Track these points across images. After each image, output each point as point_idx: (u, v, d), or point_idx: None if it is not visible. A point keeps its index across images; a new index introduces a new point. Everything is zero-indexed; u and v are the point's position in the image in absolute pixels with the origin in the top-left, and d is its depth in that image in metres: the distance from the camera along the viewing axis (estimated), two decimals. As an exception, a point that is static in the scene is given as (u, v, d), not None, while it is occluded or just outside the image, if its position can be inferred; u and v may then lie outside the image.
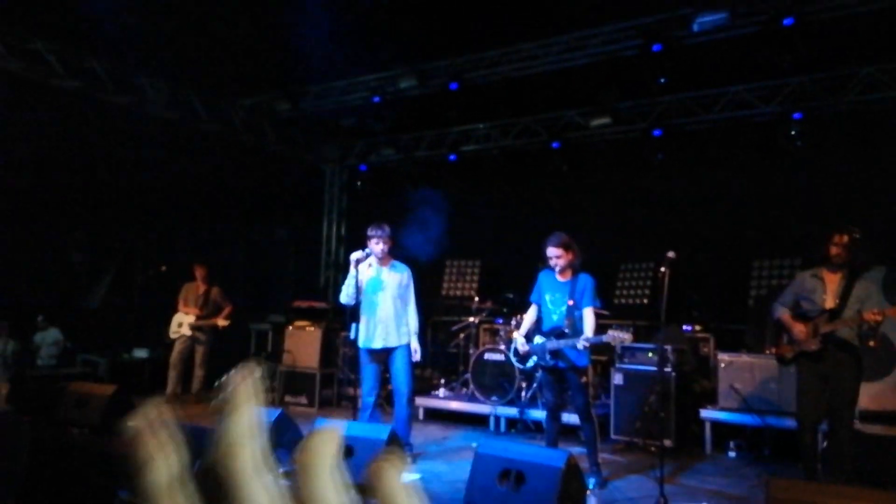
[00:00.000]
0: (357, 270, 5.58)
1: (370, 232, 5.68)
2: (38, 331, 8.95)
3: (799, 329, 4.73)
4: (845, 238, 4.67)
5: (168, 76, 8.89)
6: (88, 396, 6.04)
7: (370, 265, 5.77)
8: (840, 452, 4.48)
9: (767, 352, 6.62)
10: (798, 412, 4.76)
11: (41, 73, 7.90)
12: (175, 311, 8.67)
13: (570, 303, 5.07)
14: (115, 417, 6.00)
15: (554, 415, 5.31)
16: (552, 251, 5.09)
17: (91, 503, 4.40)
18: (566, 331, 5.03)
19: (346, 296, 5.65)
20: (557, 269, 5.13)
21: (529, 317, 5.50)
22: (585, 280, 5.14)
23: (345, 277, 5.88)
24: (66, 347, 9.04)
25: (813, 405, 4.66)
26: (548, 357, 5.10)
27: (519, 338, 5.39)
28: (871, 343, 4.63)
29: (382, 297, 5.72)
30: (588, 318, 5.04)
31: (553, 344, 5.06)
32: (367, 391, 5.69)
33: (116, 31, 7.55)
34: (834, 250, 4.67)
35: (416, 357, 5.84)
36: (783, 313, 4.86)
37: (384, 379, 6.07)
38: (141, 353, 9.26)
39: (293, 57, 8.89)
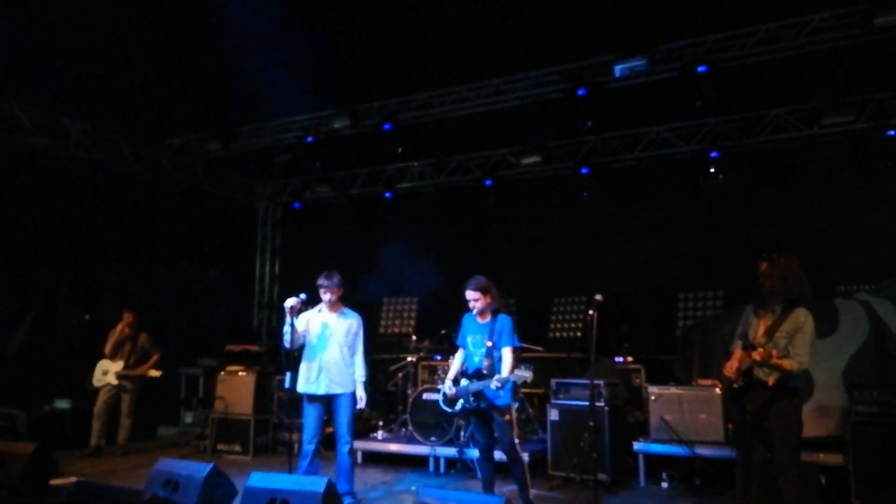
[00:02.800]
0: (292, 318, 5.52)
1: (319, 281, 5.68)
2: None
3: (729, 365, 4.58)
4: (764, 266, 4.53)
5: (92, 117, 8.66)
6: (6, 455, 5.69)
7: (319, 310, 5.75)
8: (783, 492, 4.32)
9: (694, 383, 6.87)
10: (735, 455, 4.71)
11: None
12: (99, 357, 8.33)
13: (489, 344, 5.20)
14: (36, 478, 5.71)
15: (487, 456, 5.39)
16: (470, 294, 5.28)
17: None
18: (485, 372, 5.16)
19: (286, 342, 5.60)
20: (476, 311, 5.31)
21: (457, 361, 5.59)
22: (503, 321, 5.28)
23: (280, 320, 5.82)
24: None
25: (744, 448, 4.54)
26: (471, 399, 5.21)
27: (447, 382, 5.46)
28: (770, 380, 4.38)
29: (329, 343, 5.68)
30: (506, 357, 5.15)
31: (475, 386, 5.18)
32: (307, 439, 5.61)
33: (36, 72, 7.35)
34: (760, 280, 4.57)
35: (361, 405, 5.81)
36: (735, 347, 4.70)
37: (325, 424, 5.98)
38: (63, 404, 8.82)
39: (224, 97, 8.82)
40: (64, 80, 7.57)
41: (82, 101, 8.22)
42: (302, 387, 5.64)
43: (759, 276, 4.55)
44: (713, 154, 8.60)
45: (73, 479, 5.26)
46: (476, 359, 5.30)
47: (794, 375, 4.36)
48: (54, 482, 5.90)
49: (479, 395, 5.17)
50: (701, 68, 6.99)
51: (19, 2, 6.51)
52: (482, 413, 5.24)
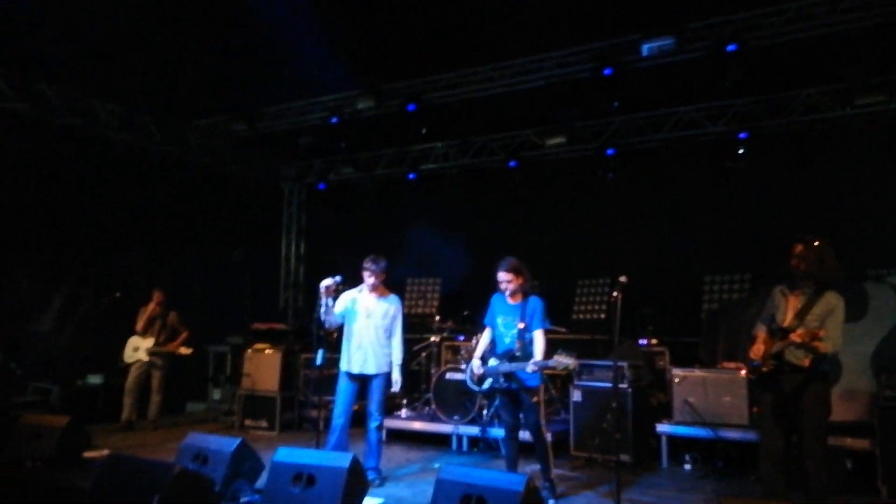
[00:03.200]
0: (327, 298, 5.63)
1: (365, 264, 5.78)
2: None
3: (755, 348, 4.52)
4: (799, 248, 4.46)
5: (121, 99, 8.78)
6: (42, 428, 5.88)
7: (360, 291, 5.85)
8: (807, 476, 4.28)
9: (718, 366, 6.84)
10: (760, 438, 4.66)
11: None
12: (129, 335, 8.51)
13: (521, 326, 5.22)
14: (71, 450, 5.88)
15: (512, 435, 5.45)
16: (502, 276, 5.28)
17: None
18: (517, 353, 5.19)
19: (321, 320, 5.73)
20: (508, 293, 5.31)
21: (484, 340, 5.65)
22: (535, 303, 5.30)
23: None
24: (9, 372, 8.76)
25: (771, 432, 4.49)
26: (501, 380, 5.26)
27: (475, 361, 5.51)
28: (806, 362, 4.33)
29: (366, 324, 5.79)
30: (538, 340, 5.18)
31: (505, 367, 5.21)
32: (337, 413, 5.74)
33: (67, 53, 7.45)
34: (792, 262, 4.47)
35: (396, 388, 5.93)
36: (758, 331, 4.64)
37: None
38: (95, 380, 9.04)
39: (249, 78, 8.88)
40: (93, 62, 7.67)
41: (112, 83, 8.34)
42: (342, 364, 5.81)
43: (793, 258, 4.47)
44: (741, 135, 8.47)
45: (106, 451, 5.41)
46: (507, 339, 5.33)
47: (827, 358, 4.32)
48: (87, 454, 6.09)
49: (509, 375, 5.21)
50: (730, 47, 6.87)
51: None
52: (511, 393, 5.28)
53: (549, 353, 5.04)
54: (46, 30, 6.81)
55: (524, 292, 5.32)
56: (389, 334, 5.89)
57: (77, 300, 9.98)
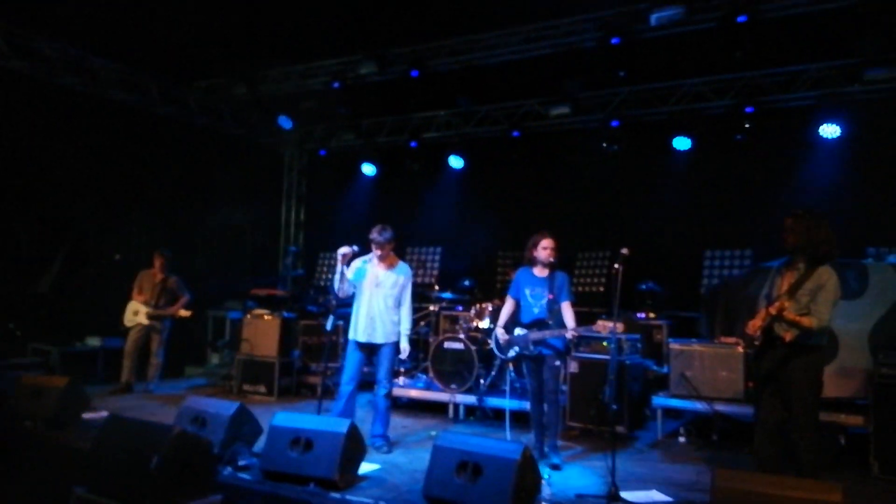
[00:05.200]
0: (343, 266, 5.66)
1: (371, 235, 5.78)
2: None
3: (752, 323, 4.47)
4: (788, 221, 4.44)
5: (121, 58, 8.66)
6: (42, 388, 5.93)
7: (369, 261, 5.85)
8: (797, 451, 4.28)
9: (716, 341, 6.85)
10: (755, 412, 4.65)
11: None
12: (129, 298, 8.52)
13: (551, 297, 5.50)
14: (70, 410, 5.92)
15: (539, 398, 5.64)
16: (548, 242, 5.58)
17: (47, 498, 4.35)
18: (549, 322, 5.47)
19: (335, 288, 5.78)
20: (548, 260, 5.55)
21: (508, 309, 5.84)
22: (563, 277, 5.64)
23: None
24: (8, 333, 8.78)
25: (765, 407, 4.47)
26: (531, 346, 5.50)
27: (500, 329, 5.78)
28: (787, 336, 4.28)
29: (375, 293, 5.80)
30: (569, 311, 5.52)
31: (537, 334, 5.48)
32: (346, 380, 5.80)
33: (67, 10, 7.33)
34: (784, 235, 4.44)
35: (404, 356, 6.02)
36: (760, 306, 4.58)
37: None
38: (94, 342, 9.06)
39: (251, 39, 8.74)
40: (93, 19, 7.55)
41: (111, 41, 8.21)
42: (351, 333, 5.86)
43: (783, 231, 4.47)
44: (748, 109, 8.38)
45: (105, 412, 5.44)
46: (535, 310, 5.58)
47: (813, 333, 4.30)
48: (87, 415, 6.14)
49: (539, 341, 5.48)
50: (741, 18, 6.76)
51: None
52: (541, 359, 5.52)
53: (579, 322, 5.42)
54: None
55: (550, 265, 5.59)
56: (398, 303, 5.90)
57: (77, 262, 9.97)
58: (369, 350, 5.85)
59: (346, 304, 6.00)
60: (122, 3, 7.41)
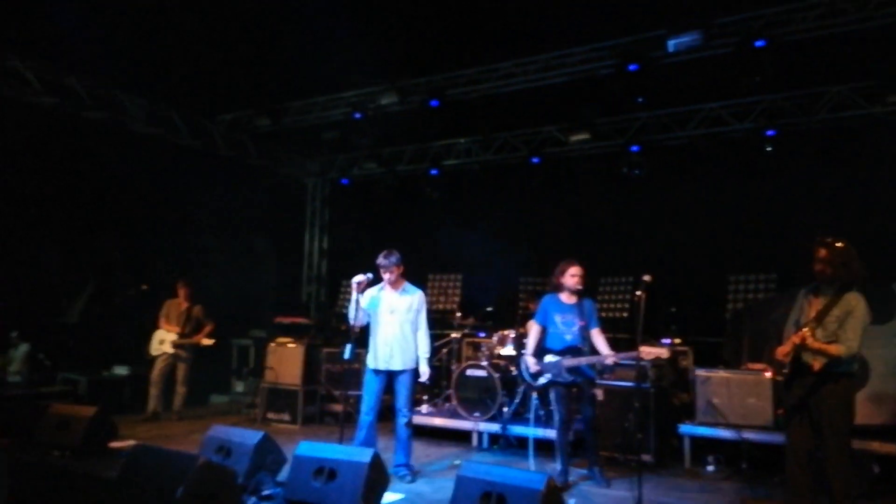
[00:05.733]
0: (358, 294, 5.64)
1: (378, 261, 5.78)
2: (11, 347, 8.82)
3: (780, 350, 4.44)
4: (823, 252, 4.35)
5: (148, 92, 8.89)
6: (69, 418, 5.97)
7: (381, 288, 5.85)
8: (830, 479, 4.21)
9: (743, 367, 6.76)
10: (786, 440, 4.58)
11: (17, 89, 7.87)
12: (156, 327, 8.63)
13: (582, 323, 5.53)
14: (97, 440, 5.97)
15: (567, 426, 5.64)
16: (577, 270, 5.64)
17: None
18: (583, 349, 5.48)
19: (350, 317, 5.77)
20: (577, 288, 5.60)
21: (536, 336, 5.84)
22: (590, 304, 5.75)
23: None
24: (37, 363, 8.91)
25: (796, 435, 4.42)
26: (565, 373, 5.48)
27: (530, 358, 5.77)
28: (815, 364, 4.27)
29: (390, 319, 5.79)
30: (600, 338, 5.62)
31: (572, 361, 5.47)
32: (366, 410, 5.76)
33: (95, 47, 7.55)
34: (817, 267, 4.37)
35: (424, 379, 5.95)
36: (790, 333, 4.52)
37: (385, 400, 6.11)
38: (121, 371, 9.18)
39: (273, 73, 8.93)
40: (121, 55, 7.77)
41: (138, 76, 8.44)
42: (369, 361, 5.84)
43: (817, 263, 4.36)
44: (769, 132, 8.35)
45: (132, 441, 5.49)
46: (567, 337, 5.60)
47: (842, 361, 4.22)
48: (114, 444, 6.18)
49: (574, 369, 5.47)
50: (759, 43, 6.76)
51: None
52: (573, 387, 5.54)
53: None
54: (74, 22, 6.90)
55: (578, 293, 5.63)
56: (415, 328, 5.88)
57: (105, 291, 10.14)
58: (388, 377, 5.81)
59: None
60: (147, 40, 7.64)
